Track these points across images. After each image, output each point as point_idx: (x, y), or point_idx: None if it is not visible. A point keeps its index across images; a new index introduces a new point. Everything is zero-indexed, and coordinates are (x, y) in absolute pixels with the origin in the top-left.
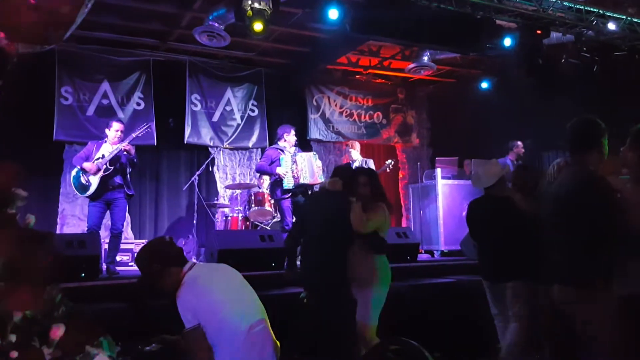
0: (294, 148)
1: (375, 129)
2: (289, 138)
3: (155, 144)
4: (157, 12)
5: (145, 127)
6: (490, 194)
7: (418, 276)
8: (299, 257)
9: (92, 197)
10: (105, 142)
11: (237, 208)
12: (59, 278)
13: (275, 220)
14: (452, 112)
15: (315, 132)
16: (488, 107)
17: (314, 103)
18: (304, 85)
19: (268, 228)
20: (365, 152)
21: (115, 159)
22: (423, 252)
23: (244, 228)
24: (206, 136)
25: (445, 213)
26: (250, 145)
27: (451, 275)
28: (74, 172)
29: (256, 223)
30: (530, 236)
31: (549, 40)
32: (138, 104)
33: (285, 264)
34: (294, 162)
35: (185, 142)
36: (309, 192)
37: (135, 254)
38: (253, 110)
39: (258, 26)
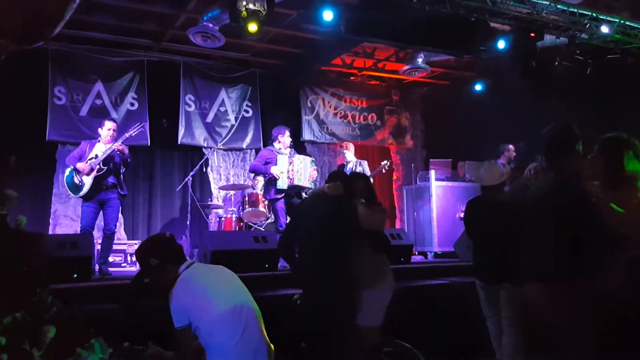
0: (289, 149)
1: (370, 130)
2: (284, 139)
3: (149, 144)
4: (152, 13)
5: (139, 127)
6: (489, 194)
7: (412, 278)
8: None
9: (85, 198)
10: (99, 141)
11: (230, 209)
12: (50, 279)
13: (269, 221)
14: (446, 114)
15: (309, 133)
16: (482, 109)
17: (308, 104)
18: (298, 87)
19: (262, 229)
20: (359, 154)
21: (108, 159)
22: (417, 253)
23: (237, 229)
24: (200, 137)
25: (439, 215)
26: (244, 146)
27: (445, 277)
28: (67, 172)
29: (250, 224)
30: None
31: (542, 42)
32: (132, 105)
33: (278, 266)
34: (291, 162)
35: (179, 142)
36: (303, 195)
37: (136, 249)
38: (247, 111)
39: (252, 27)
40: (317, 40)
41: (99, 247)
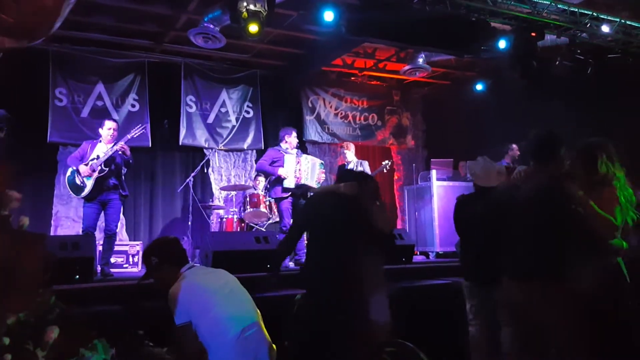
0: (295, 150)
1: (370, 130)
2: (290, 140)
3: (150, 145)
4: (152, 14)
5: (140, 128)
6: (480, 193)
7: (413, 278)
8: (298, 259)
9: (87, 198)
10: (100, 142)
11: (232, 209)
12: (53, 280)
13: (270, 221)
14: (447, 114)
15: (311, 133)
16: (483, 109)
17: (309, 105)
18: (299, 87)
19: (263, 229)
20: (360, 154)
21: (110, 160)
22: (418, 253)
23: (239, 229)
24: (201, 138)
25: (441, 215)
26: (245, 146)
27: (446, 277)
28: (68, 173)
29: (251, 224)
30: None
31: (543, 42)
32: (133, 106)
33: (273, 266)
34: (298, 162)
35: (180, 143)
36: (309, 195)
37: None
38: (248, 112)
39: (253, 28)
40: (317, 41)
41: (100, 248)
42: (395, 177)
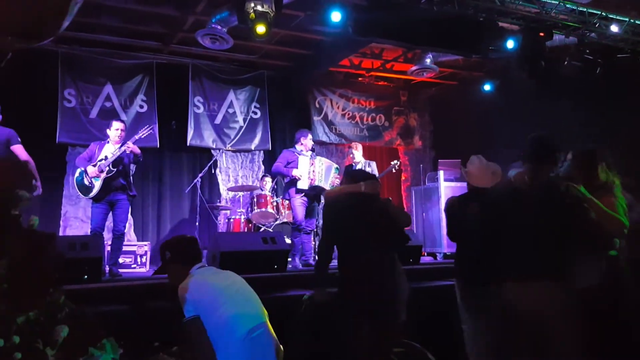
0: (310, 152)
1: (378, 131)
2: (306, 142)
3: (158, 146)
4: (160, 15)
5: (148, 129)
6: (475, 193)
7: (421, 279)
8: (306, 260)
9: (95, 199)
10: (108, 142)
11: (239, 210)
12: (61, 280)
13: (277, 222)
14: (455, 115)
15: (318, 134)
16: (490, 109)
17: (317, 105)
18: (307, 88)
19: (270, 230)
20: (367, 155)
21: (118, 161)
22: (426, 254)
23: (246, 230)
24: (209, 138)
25: None
26: (252, 147)
27: (454, 278)
28: (77, 174)
29: (258, 225)
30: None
31: (551, 42)
32: (141, 107)
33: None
34: (312, 164)
35: (188, 144)
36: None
37: None
38: (255, 113)
39: (261, 29)
40: (324, 42)
41: (109, 248)
42: (403, 178)
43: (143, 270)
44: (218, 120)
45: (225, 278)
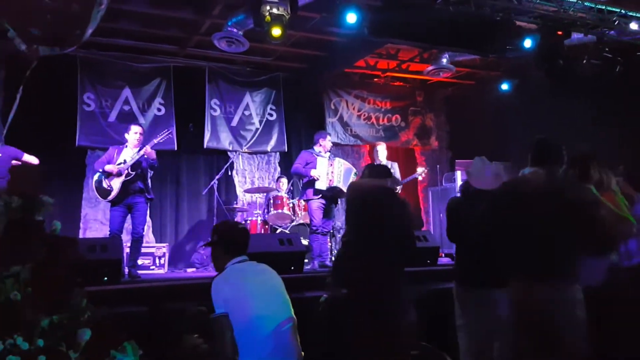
0: (328, 153)
1: (394, 131)
2: (325, 143)
3: (176, 148)
4: (177, 19)
5: (167, 133)
6: (479, 195)
7: (438, 280)
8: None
9: (113, 202)
10: (126, 146)
11: (256, 212)
12: (83, 283)
13: (294, 223)
14: (472, 115)
15: (334, 135)
16: (508, 109)
17: (332, 107)
18: (322, 89)
19: (287, 232)
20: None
21: (136, 164)
22: (443, 255)
23: (262, 232)
24: (225, 140)
25: None
26: (268, 149)
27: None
28: (95, 177)
29: (275, 227)
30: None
31: (569, 41)
32: (159, 110)
33: (304, 268)
34: (331, 164)
35: (205, 146)
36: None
37: None
38: (271, 115)
39: (276, 31)
40: (340, 43)
41: (128, 250)
42: (420, 179)
43: (161, 271)
44: (234, 122)
45: (261, 274)
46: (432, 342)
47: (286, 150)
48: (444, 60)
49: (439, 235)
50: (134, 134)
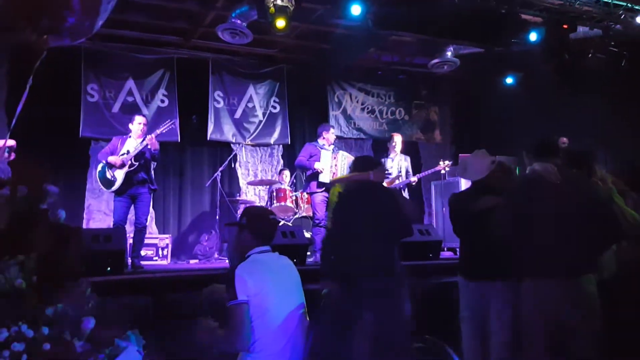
0: (332, 146)
1: (397, 125)
2: (328, 136)
3: (179, 140)
4: (181, 10)
5: (170, 123)
6: (480, 187)
7: (441, 274)
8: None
9: (117, 192)
10: (130, 137)
11: (258, 204)
12: (86, 272)
13: (296, 216)
14: (476, 108)
15: (337, 129)
16: (512, 103)
17: (336, 99)
18: (326, 82)
19: (290, 224)
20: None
21: (139, 155)
22: (446, 249)
23: None
24: (229, 132)
25: None
26: (272, 141)
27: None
28: (99, 168)
29: (278, 219)
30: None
31: (575, 34)
32: (162, 101)
33: (306, 260)
34: (335, 157)
35: (208, 138)
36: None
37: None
38: (275, 107)
39: (280, 23)
40: (344, 35)
41: (131, 241)
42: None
43: (164, 262)
44: (238, 114)
45: (283, 269)
46: (434, 335)
47: (289, 142)
48: (449, 54)
49: (442, 229)
50: (137, 124)
